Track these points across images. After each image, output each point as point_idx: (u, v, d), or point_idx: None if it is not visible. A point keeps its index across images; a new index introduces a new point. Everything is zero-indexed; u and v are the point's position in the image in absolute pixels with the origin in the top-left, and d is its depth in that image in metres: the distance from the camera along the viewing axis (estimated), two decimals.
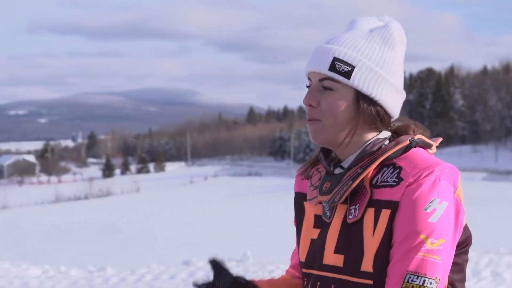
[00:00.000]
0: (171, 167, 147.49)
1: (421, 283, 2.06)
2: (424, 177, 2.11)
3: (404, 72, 2.24)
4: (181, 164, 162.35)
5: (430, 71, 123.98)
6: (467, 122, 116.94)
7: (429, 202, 2.09)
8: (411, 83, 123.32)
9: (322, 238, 2.29)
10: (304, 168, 2.47)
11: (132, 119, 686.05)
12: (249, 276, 2.49)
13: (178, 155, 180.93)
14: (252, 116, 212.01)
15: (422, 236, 2.07)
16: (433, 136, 2.35)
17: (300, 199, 2.45)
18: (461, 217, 2.19)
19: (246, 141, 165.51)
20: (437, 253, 2.09)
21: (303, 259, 2.37)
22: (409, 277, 2.06)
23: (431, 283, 2.07)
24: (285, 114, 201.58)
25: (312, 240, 2.34)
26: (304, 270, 2.37)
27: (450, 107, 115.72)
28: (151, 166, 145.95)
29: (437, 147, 2.32)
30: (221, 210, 43.73)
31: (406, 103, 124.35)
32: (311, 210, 2.35)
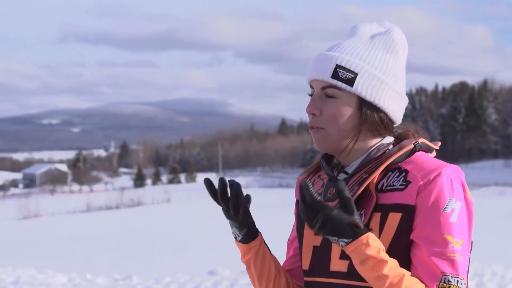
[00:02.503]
0: (202, 178, 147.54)
1: (456, 284, 2.07)
2: (435, 178, 2.12)
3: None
4: (212, 175, 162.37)
5: (463, 84, 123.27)
6: (500, 136, 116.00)
7: (447, 202, 2.10)
8: (443, 96, 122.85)
9: (327, 244, 2.27)
10: (305, 176, 2.43)
11: (164, 129, 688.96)
12: None
13: (209, 166, 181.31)
14: (283, 127, 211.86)
15: (447, 237, 2.08)
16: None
17: None
18: (473, 217, 2.20)
19: (278, 152, 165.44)
20: (461, 253, 2.10)
21: (306, 267, 2.34)
22: (445, 278, 2.06)
23: (462, 283, 2.09)
24: None
25: (314, 247, 2.32)
26: (308, 279, 2.34)
27: (483, 121, 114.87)
28: (182, 176, 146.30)
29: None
30: None
31: (439, 117, 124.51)
32: None
